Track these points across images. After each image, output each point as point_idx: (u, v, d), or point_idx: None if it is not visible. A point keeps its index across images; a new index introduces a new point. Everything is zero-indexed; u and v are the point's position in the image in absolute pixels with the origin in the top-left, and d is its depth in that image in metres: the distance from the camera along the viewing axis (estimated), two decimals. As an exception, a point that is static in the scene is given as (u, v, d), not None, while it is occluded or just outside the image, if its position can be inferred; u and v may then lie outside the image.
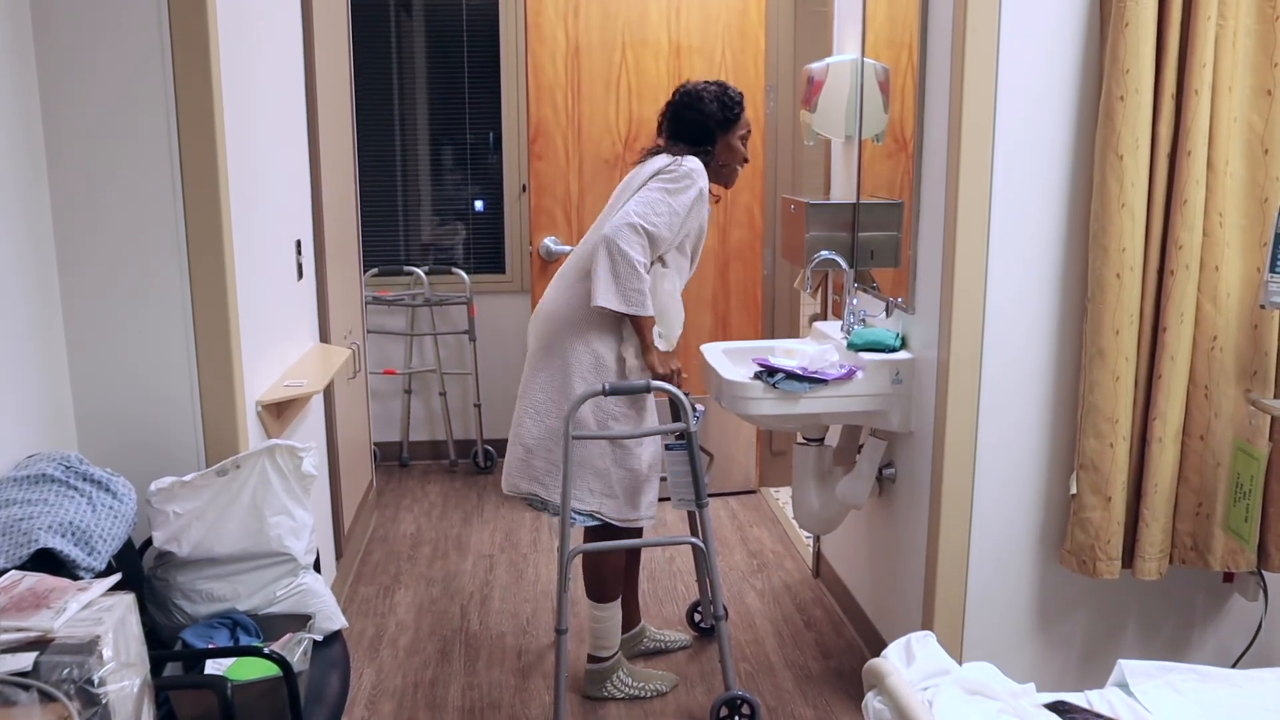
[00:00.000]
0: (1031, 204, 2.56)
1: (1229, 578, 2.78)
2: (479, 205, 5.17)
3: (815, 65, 3.49)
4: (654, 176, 2.79)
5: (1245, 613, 2.83)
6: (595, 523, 2.87)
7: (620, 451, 2.85)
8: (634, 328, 2.80)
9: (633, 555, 3.14)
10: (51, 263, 2.28)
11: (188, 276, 2.33)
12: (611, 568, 2.94)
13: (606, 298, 2.70)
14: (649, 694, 2.99)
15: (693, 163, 2.81)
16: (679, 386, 2.80)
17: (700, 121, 2.87)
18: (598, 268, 2.71)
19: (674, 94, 2.95)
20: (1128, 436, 2.52)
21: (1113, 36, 2.39)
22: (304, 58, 3.29)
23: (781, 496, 4.64)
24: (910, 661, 1.89)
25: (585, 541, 2.94)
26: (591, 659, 2.98)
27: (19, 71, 2.15)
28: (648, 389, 2.73)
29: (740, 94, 2.93)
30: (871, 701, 1.79)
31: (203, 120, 2.27)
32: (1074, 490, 2.57)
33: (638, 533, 2.96)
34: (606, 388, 2.67)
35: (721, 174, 2.94)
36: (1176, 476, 2.56)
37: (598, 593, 2.94)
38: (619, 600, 2.97)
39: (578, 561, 3.35)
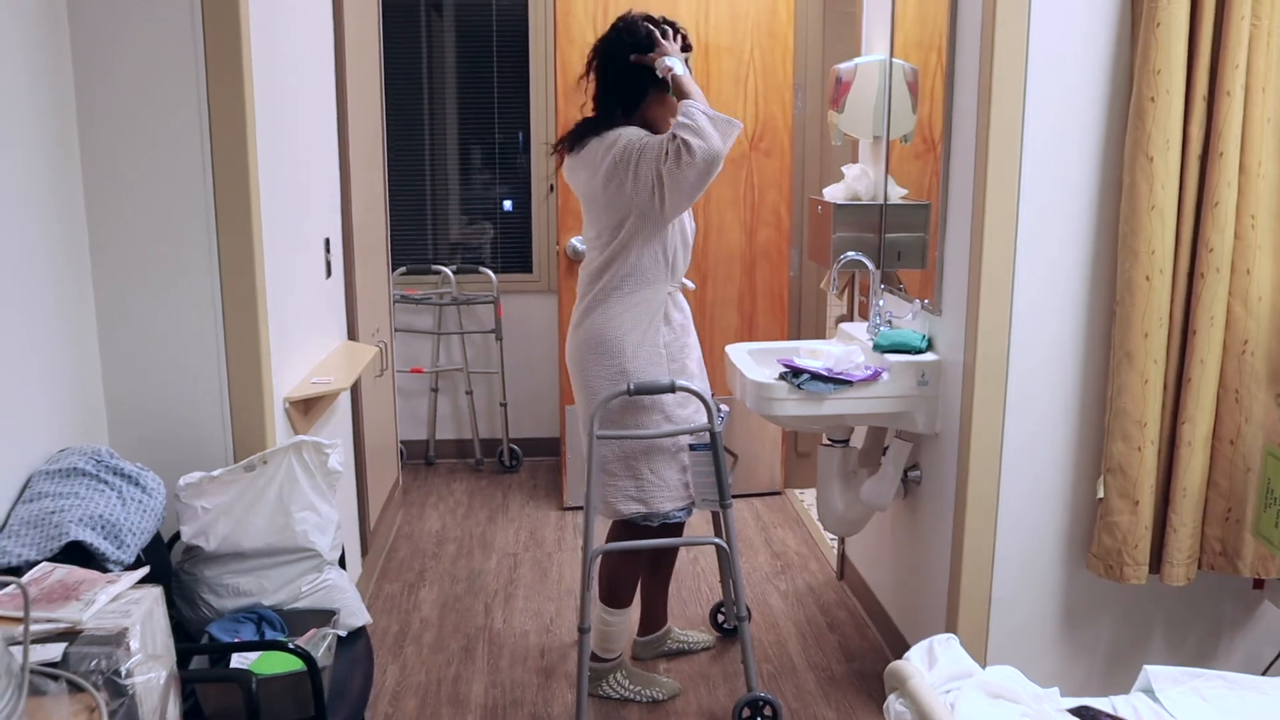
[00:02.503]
0: (1060, 206, 2.54)
1: (1259, 584, 2.75)
2: (507, 205, 5.18)
3: (844, 65, 3.48)
4: (612, 171, 2.66)
5: (1276, 620, 2.80)
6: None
7: (664, 442, 2.82)
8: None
9: (663, 559, 3.13)
10: (85, 262, 2.30)
11: (218, 275, 2.35)
12: (628, 573, 2.94)
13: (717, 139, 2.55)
14: (644, 698, 2.97)
15: (622, 131, 2.68)
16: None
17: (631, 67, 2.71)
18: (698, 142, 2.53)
19: (607, 33, 2.76)
20: (1156, 440, 2.50)
21: (1144, 37, 2.37)
22: (334, 56, 3.32)
23: (806, 498, 4.62)
24: (933, 664, 1.88)
25: (609, 542, 2.94)
26: (594, 657, 2.99)
27: (54, 65, 2.18)
28: (672, 388, 2.72)
29: (674, 22, 2.80)
30: (893, 704, 1.79)
31: (234, 119, 2.30)
32: (1101, 494, 2.55)
33: (664, 533, 2.95)
34: (631, 387, 2.67)
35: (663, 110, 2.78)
36: (1206, 481, 2.53)
37: (610, 597, 2.94)
38: (628, 609, 2.97)
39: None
